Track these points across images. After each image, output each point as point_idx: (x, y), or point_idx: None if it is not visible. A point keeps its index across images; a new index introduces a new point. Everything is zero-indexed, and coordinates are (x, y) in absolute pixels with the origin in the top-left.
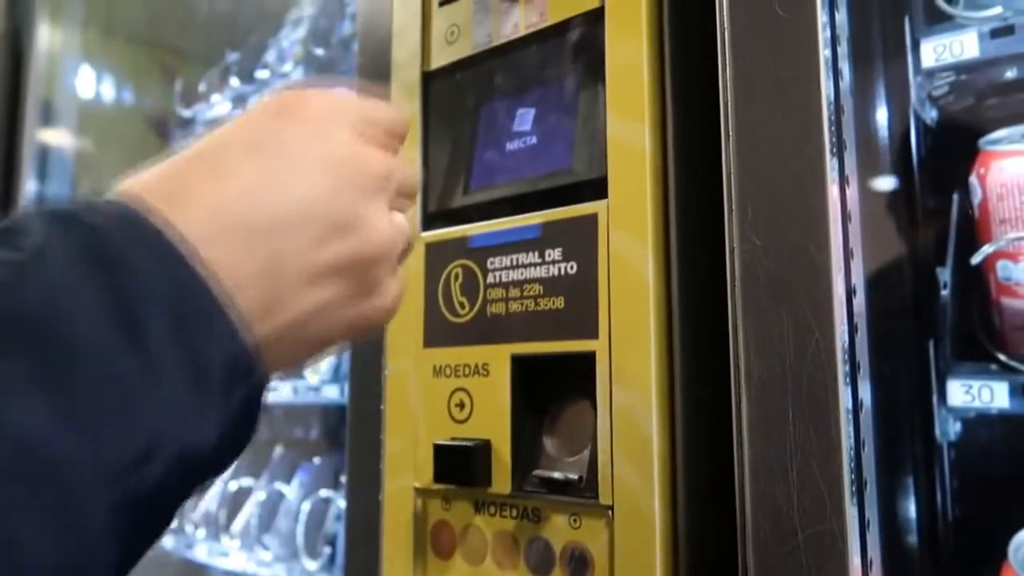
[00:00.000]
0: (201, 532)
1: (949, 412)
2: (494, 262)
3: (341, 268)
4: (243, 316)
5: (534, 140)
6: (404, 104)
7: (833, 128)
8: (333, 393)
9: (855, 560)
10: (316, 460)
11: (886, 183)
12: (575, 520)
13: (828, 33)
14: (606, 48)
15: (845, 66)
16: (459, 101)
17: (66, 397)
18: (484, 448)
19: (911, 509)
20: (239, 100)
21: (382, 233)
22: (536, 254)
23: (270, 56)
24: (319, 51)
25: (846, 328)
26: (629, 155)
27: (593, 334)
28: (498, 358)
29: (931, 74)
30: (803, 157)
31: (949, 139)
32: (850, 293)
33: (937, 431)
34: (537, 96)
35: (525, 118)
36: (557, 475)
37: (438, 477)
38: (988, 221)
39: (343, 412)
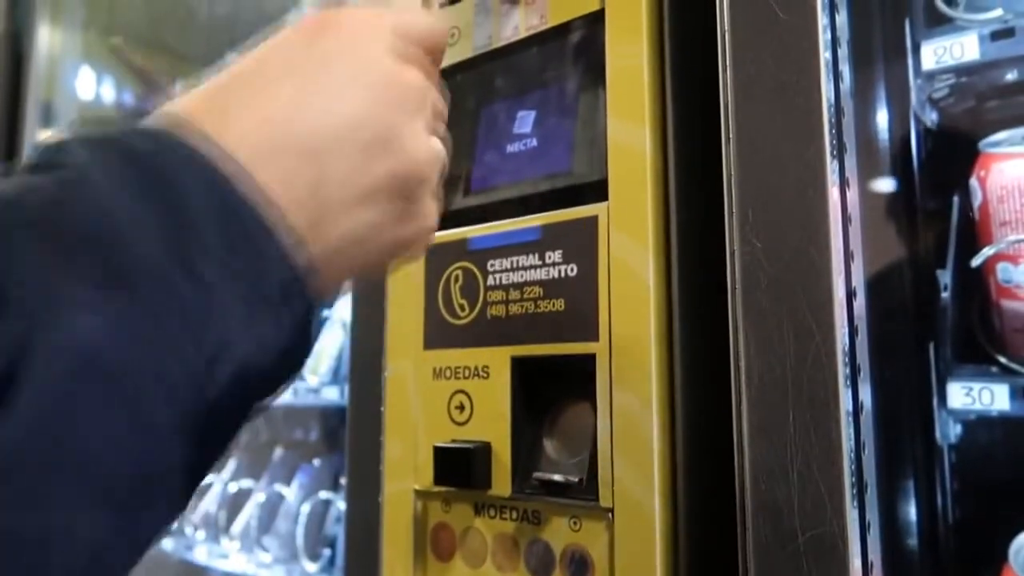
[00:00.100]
0: (201, 534)
1: (949, 414)
2: (494, 264)
3: (385, 187)
4: (293, 236)
5: (534, 142)
6: (442, 15)
7: (833, 130)
8: (333, 395)
9: (855, 562)
10: (316, 462)
11: (886, 185)
12: (575, 522)
13: (828, 35)
14: (606, 50)
15: (845, 68)
16: (459, 103)
17: (128, 309)
18: (484, 450)
19: (911, 511)
20: None
21: (423, 153)
22: (536, 256)
23: None
24: None
25: (846, 330)
26: (629, 157)
27: (593, 336)
28: (498, 360)
29: (931, 76)
30: (803, 159)
31: (949, 141)
32: (850, 295)
33: (937, 433)
34: (537, 98)
35: (525, 120)
36: (557, 477)
37: (438, 479)
38: (988, 223)
39: (343, 414)
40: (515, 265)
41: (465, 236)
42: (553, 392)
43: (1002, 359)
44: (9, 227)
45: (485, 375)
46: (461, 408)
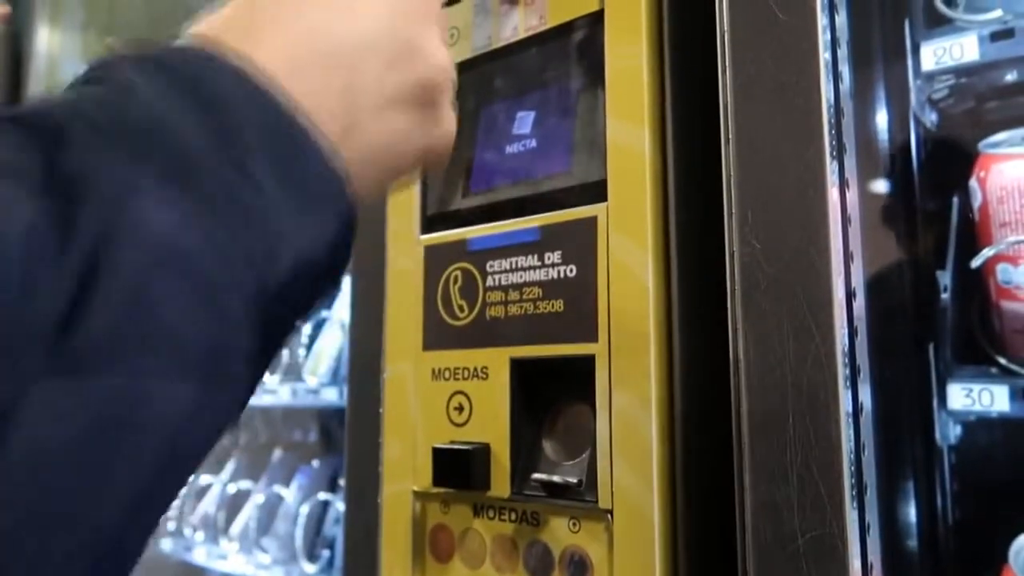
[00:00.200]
0: (200, 535)
1: (949, 415)
2: (493, 265)
3: (409, 94)
4: (327, 144)
5: (534, 143)
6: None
7: (833, 131)
8: (332, 396)
9: (855, 564)
10: (315, 463)
11: (886, 186)
12: (574, 524)
13: (828, 36)
14: (606, 51)
15: (845, 69)
16: (459, 104)
17: (192, 199)
18: (483, 451)
19: (911, 513)
20: None
21: (441, 60)
22: (535, 257)
23: None
24: None
25: (846, 331)
26: (629, 158)
27: (592, 337)
28: (497, 361)
29: (931, 77)
30: (803, 160)
31: (949, 142)
32: (850, 296)
33: (937, 434)
34: (537, 99)
35: (525, 121)
36: (556, 479)
37: (437, 480)
38: (988, 224)
39: (342, 415)
40: (514, 266)
41: (464, 237)
42: (552, 393)
43: (1002, 360)
44: (75, 126)
45: (484, 376)
46: (460, 409)
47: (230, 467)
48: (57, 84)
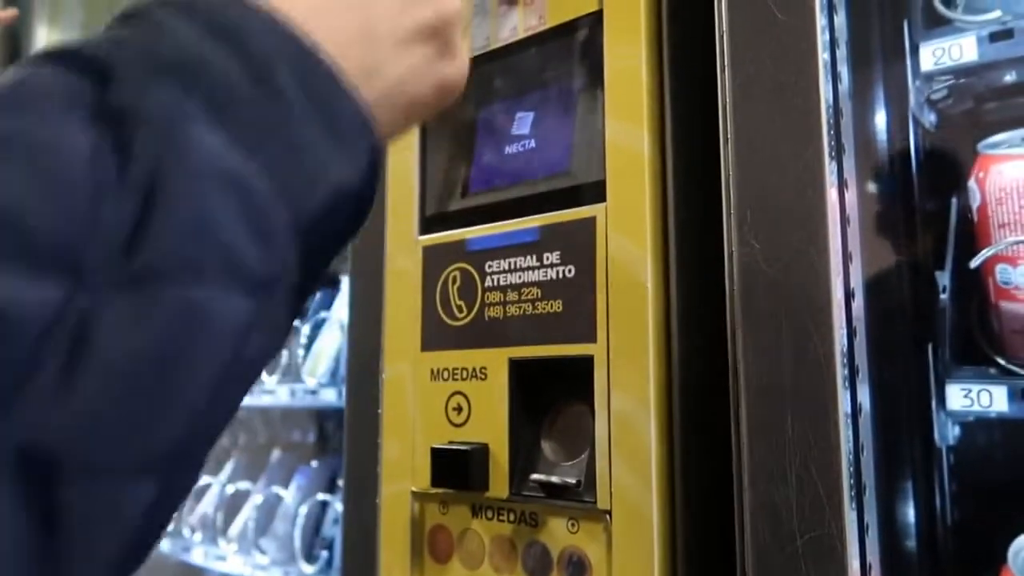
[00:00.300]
0: (198, 535)
1: (948, 416)
2: (492, 265)
3: (424, 30)
4: (351, 82)
5: (533, 143)
6: None
7: (832, 132)
8: (331, 396)
9: (854, 564)
10: (314, 464)
11: (885, 187)
12: (573, 524)
13: (827, 36)
14: (605, 51)
15: (844, 70)
16: (457, 104)
17: (237, 129)
18: (482, 452)
19: (910, 513)
20: None
21: None
22: (534, 257)
23: None
24: None
25: (845, 332)
26: (628, 158)
27: (591, 338)
28: (496, 362)
29: (930, 78)
30: (802, 160)
31: (948, 143)
32: (849, 297)
33: (936, 435)
34: (536, 99)
35: (524, 121)
36: (555, 479)
37: (435, 481)
38: (987, 225)
39: (341, 416)
40: (513, 266)
41: (463, 237)
42: (551, 393)
43: (1001, 361)
44: (120, 59)
45: (483, 376)
46: (459, 409)
47: (229, 467)
48: None
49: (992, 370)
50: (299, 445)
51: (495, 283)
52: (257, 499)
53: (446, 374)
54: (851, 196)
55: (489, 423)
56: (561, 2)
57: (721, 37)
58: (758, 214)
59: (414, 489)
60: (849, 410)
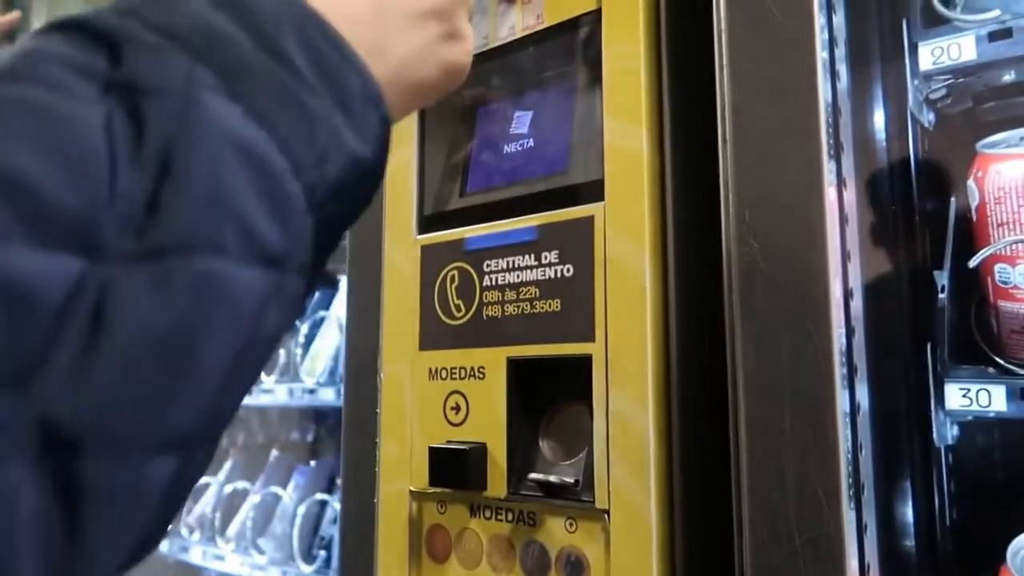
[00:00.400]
0: (196, 535)
1: (947, 416)
2: (490, 265)
3: (432, 12)
4: (361, 59)
5: (531, 142)
6: None
7: (830, 131)
8: (329, 396)
9: (852, 564)
10: (312, 463)
11: (883, 186)
12: (571, 524)
13: (825, 36)
14: (603, 50)
15: (842, 69)
16: (456, 103)
17: (248, 96)
18: (480, 451)
19: (908, 513)
20: None
21: None
22: (532, 257)
23: None
24: None
25: (843, 331)
26: (626, 158)
27: (589, 337)
28: (494, 361)
29: (928, 77)
30: (801, 160)
31: (947, 142)
32: (847, 296)
33: (935, 435)
34: (534, 98)
35: (522, 120)
36: (553, 478)
37: (433, 480)
38: (986, 224)
39: (339, 415)
40: (511, 265)
41: (461, 236)
42: (549, 393)
43: (999, 360)
44: (134, 28)
45: (481, 376)
46: (457, 409)
47: (227, 467)
48: None
49: (991, 370)
50: (297, 444)
51: (493, 282)
52: (255, 499)
53: (444, 373)
54: (850, 195)
55: (487, 422)
56: (560, 1)
57: (719, 36)
58: (757, 213)
59: (412, 488)
60: (847, 409)
